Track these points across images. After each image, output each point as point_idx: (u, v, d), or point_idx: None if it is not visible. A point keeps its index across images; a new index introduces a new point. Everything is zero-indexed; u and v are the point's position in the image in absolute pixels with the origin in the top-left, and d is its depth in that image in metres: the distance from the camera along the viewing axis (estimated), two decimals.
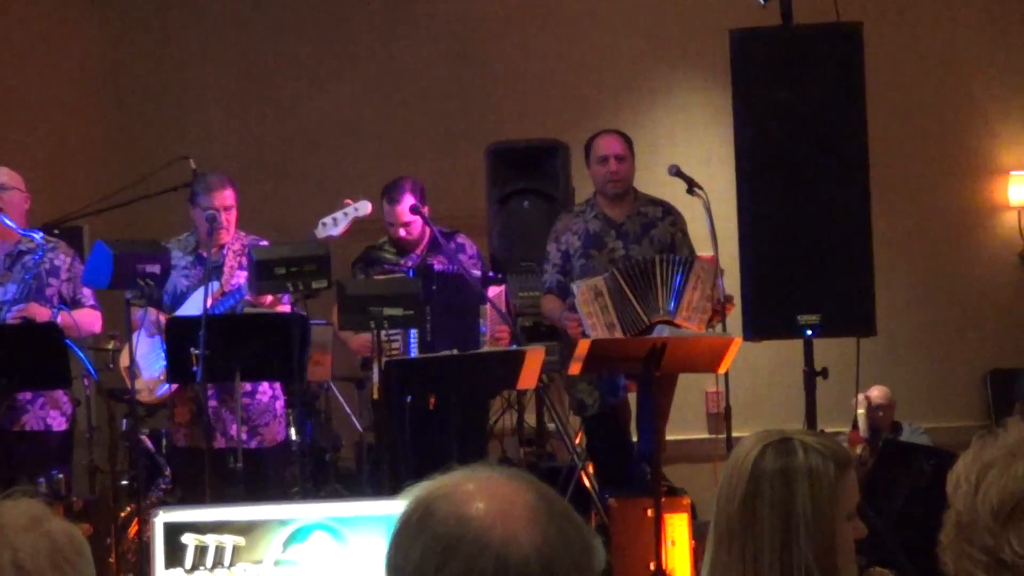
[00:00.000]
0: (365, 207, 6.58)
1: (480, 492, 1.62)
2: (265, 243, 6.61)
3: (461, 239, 7.01)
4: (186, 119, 9.52)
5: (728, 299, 6.49)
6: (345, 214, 6.54)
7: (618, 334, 6.39)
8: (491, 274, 6.88)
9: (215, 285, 6.36)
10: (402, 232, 6.86)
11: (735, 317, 6.47)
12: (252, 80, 9.63)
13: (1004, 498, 1.99)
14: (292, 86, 9.62)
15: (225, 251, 6.57)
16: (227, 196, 6.51)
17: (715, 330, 6.43)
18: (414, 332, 6.63)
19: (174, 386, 6.44)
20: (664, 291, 6.47)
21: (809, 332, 6.19)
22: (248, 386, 6.42)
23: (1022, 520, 1.96)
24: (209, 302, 6.16)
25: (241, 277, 6.46)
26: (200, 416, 6.37)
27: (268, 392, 6.60)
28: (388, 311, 6.10)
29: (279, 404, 6.66)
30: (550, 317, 7.02)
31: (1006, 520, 1.98)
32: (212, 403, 6.42)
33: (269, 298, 6.38)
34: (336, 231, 6.55)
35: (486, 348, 6.58)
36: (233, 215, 6.55)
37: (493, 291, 6.66)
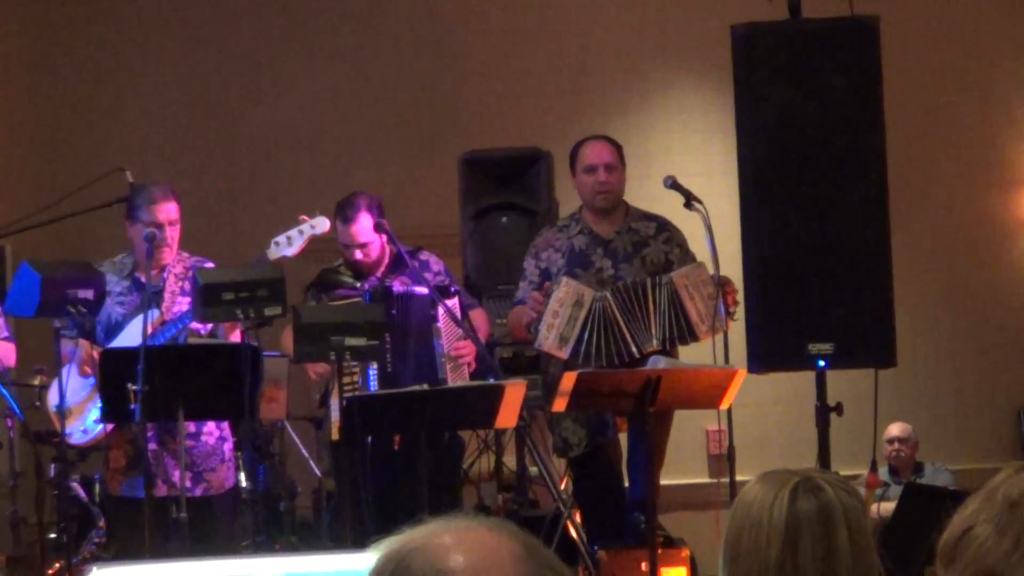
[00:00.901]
0: (322, 224, 6.56)
1: (459, 544, 1.62)
2: (211, 265, 6.59)
3: (424, 255, 6.98)
4: (122, 127, 9.50)
5: (725, 280, 6.45)
6: (300, 232, 6.53)
7: (564, 353, 6.38)
8: (443, 281, 6.80)
9: (154, 313, 6.33)
10: (359, 254, 6.80)
11: (739, 347, 6.47)
12: (196, 83, 9.62)
13: (947, 539, 2.06)
14: (241, 89, 9.61)
15: (166, 274, 6.55)
16: (171, 209, 6.49)
17: (717, 359, 6.43)
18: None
19: (109, 427, 6.41)
20: (658, 318, 6.46)
21: (821, 363, 6.20)
22: (192, 426, 6.39)
23: (951, 564, 1.99)
24: (148, 331, 6.13)
25: (184, 303, 6.44)
26: (138, 460, 6.34)
27: (215, 433, 6.57)
28: (350, 341, 6.08)
29: (227, 446, 6.63)
30: (514, 325, 6.93)
31: (946, 564, 2.04)
32: (152, 446, 6.38)
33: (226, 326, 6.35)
34: (290, 251, 6.53)
35: (449, 375, 6.56)
36: (178, 231, 6.52)
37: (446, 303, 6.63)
